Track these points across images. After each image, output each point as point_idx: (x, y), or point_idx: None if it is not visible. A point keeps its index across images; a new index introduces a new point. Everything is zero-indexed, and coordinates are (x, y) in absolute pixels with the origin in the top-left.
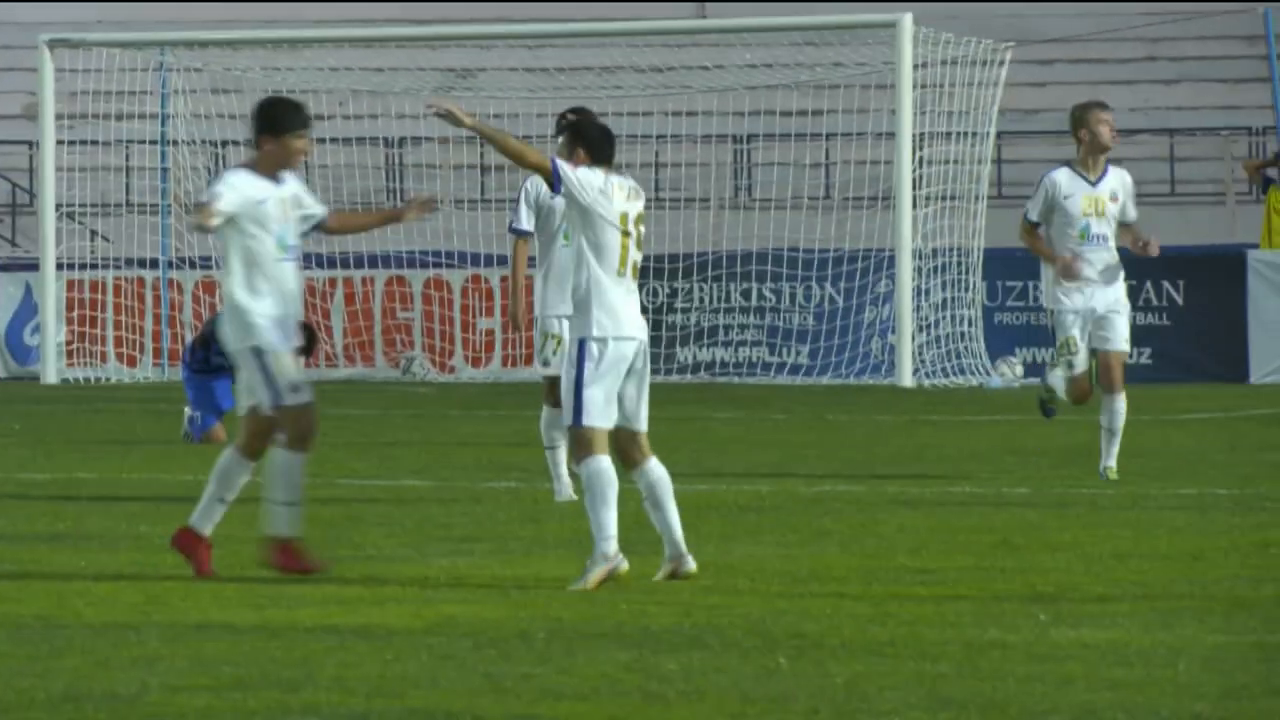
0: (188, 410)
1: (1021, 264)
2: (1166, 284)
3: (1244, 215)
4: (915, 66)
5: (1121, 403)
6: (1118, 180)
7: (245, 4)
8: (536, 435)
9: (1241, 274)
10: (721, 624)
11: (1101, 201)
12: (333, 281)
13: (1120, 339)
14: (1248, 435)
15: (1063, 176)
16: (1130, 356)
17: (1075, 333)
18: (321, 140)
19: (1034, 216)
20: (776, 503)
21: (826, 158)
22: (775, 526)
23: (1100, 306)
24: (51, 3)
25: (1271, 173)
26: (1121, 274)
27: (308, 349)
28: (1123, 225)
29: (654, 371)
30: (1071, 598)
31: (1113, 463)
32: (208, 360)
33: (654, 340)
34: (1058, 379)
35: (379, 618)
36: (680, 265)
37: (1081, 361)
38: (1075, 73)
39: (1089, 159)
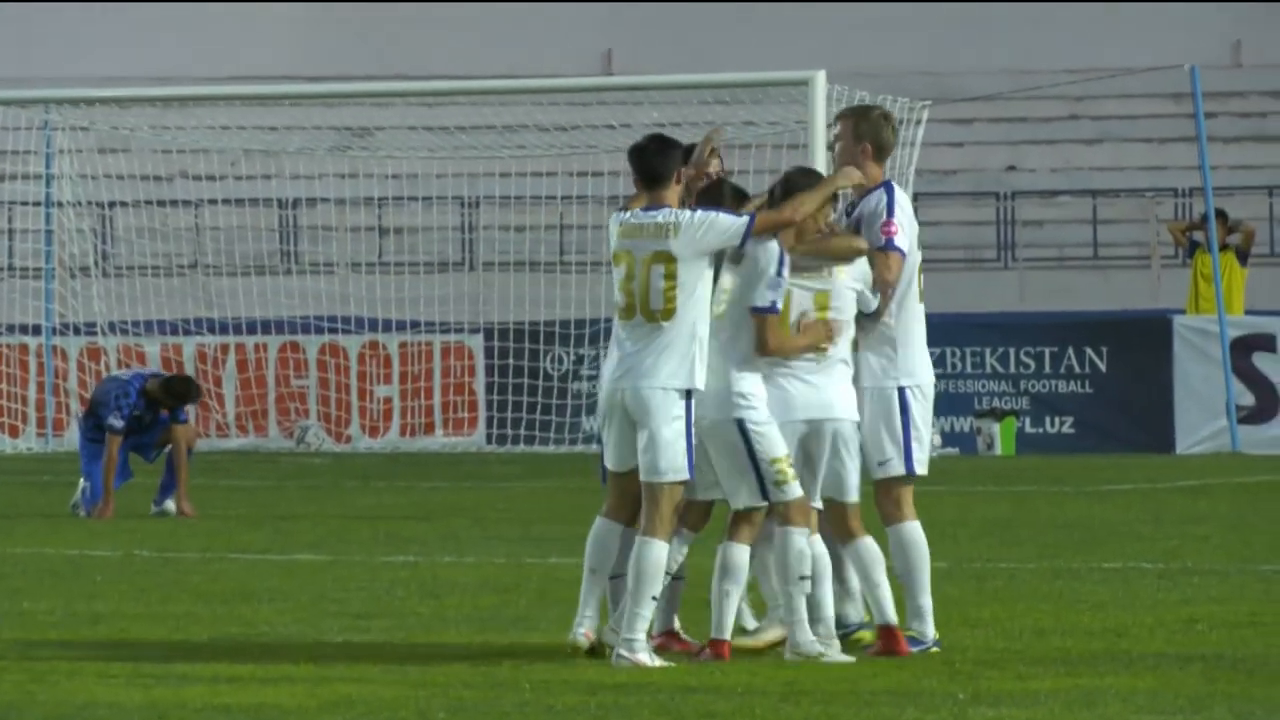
0: (82, 481)
1: (939, 330)
2: (1089, 350)
3: (1169, 279)
4: (829, 125)
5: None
6: None
7: (134, 60)
8: (434, 508)
9: (1167, 340)
10: (629, 704)
11: None
12: (224, 348)
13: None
14: (1173, 507)
15: None
16: (1045, 426)
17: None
18: (213, 202)
19: None
20: (689, 577)
21: None
22: (687, 600)
23: None
24: None
25: (1198, 236)
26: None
27: (193, 396)
28: None
29: (558, 442)
30: (991, 676)
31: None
32: (99, 427)
33: (558, 409)
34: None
35: (271, 697)
36: (586, 331)
37: None
38: (994, 132)
39: None
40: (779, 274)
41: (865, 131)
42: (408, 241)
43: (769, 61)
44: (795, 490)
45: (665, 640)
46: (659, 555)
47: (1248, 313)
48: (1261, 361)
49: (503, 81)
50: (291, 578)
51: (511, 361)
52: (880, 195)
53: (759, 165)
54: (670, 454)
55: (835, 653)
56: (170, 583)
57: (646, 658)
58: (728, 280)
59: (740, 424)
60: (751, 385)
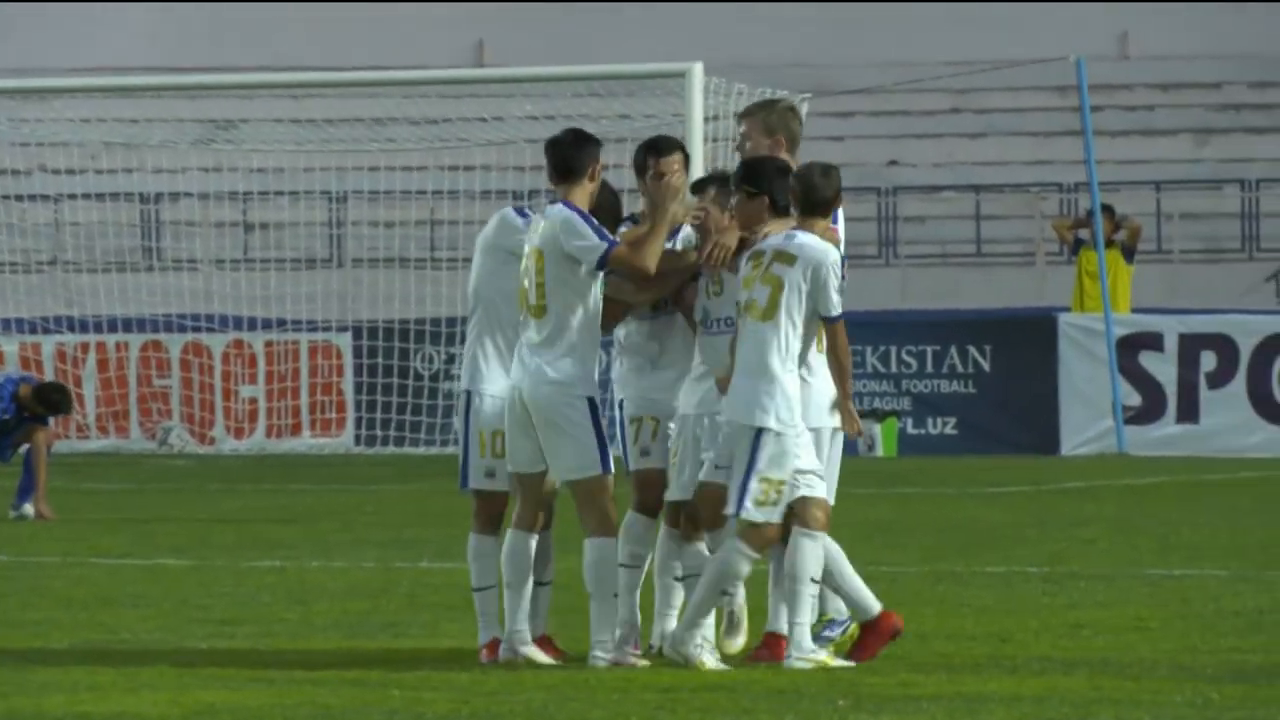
0: None
1: None
2: (973, 349)
3: (1054, 276)
4: (707, 119)
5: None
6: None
7: None
8: (301, 511)
9: (1052, 338)
10: (501, 711)
11: None
12: (84, 346)
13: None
14: (1058, 510)
15: None
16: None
17: None
18: (73, 196)
19: None
20: (561, 581)
21: None
22: (559, 607)
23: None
24: None
25: (1083, 233)
26: None
27: (66, 407)
28: None
29: (429, 443)
30: (872, 681)
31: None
32: None
33: (429, 410)
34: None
35: (133, 705)
36: (458, 330)
37: None
38: (875, 126)
39: None
40: (842, 278)
41: (776, 124)
42: (274, 237)
43: (644, 53)
44: (773, 515)
45: (538, 645)
46: (602, 554)
47: (1134, 311)
48: (1148, 361)
49: (372, 73)
50: (154, 583)
51: (380, 361)
52: None
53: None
54: (569, 449)
55: (713, 660)
56: (29, 588)
57: (629, 657)
58: (776, 281)
59: (758, 434)
60: (782, 395)
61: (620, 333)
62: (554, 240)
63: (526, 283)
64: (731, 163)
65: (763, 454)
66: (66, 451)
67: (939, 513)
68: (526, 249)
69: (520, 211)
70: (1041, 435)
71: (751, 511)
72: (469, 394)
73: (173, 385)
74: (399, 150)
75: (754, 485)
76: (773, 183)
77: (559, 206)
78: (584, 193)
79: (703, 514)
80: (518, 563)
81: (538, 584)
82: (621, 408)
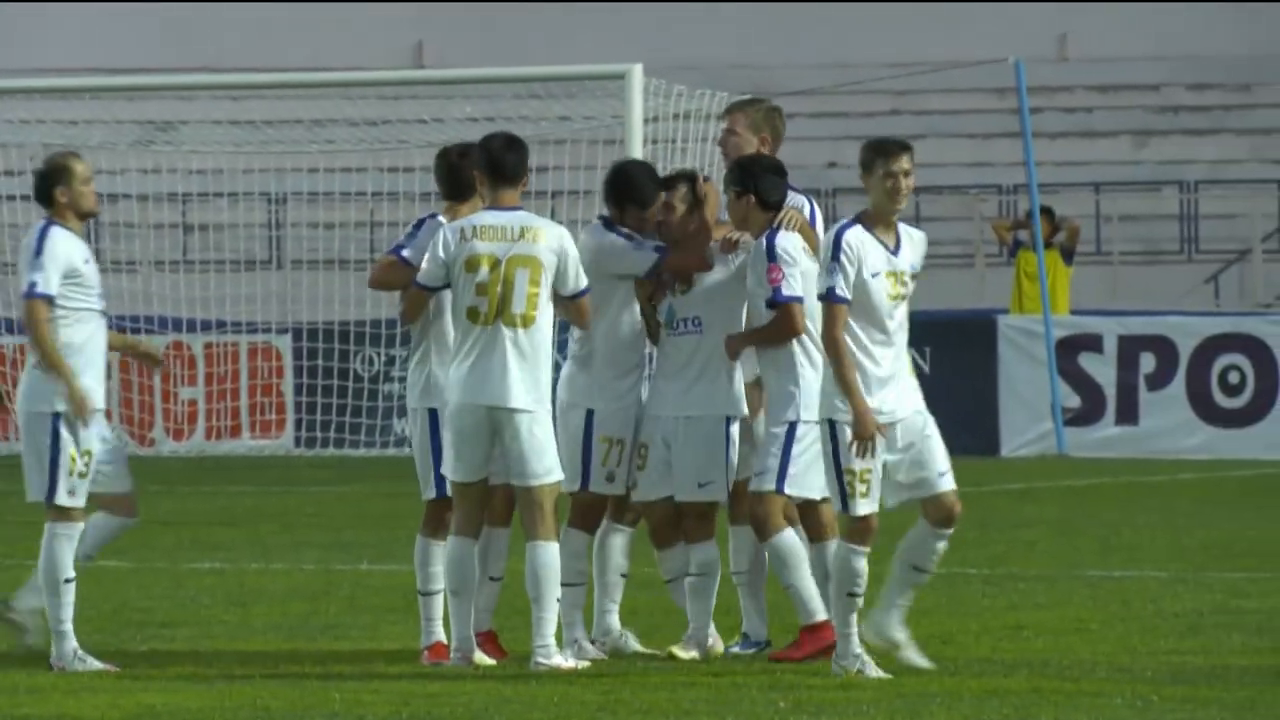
0: None
1: None
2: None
3: (993, 278)
4: (646, 120)
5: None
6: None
7: None
8: (241, 513)
9: (992, 340)
10: (441, 714)
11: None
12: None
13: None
14: (999, 512)
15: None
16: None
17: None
18: (11, 198)
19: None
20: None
21: (553, 216)
22: (501, 609)
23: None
24: None
25: (1022, 234)
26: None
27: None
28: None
29: (369, 445)
30: (813, 685)
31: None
32: None
33: (369, 411)
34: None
35: (73, 708)
36: (398, 332)
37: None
38: (816, 127)
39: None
40: (834, 259)
41: (762, 123)
42: (213, 239)
43: (584, 55)
44: (861, 508)
45: (482, 642)
46: (552, 558)
47: (1073, 312)
48: (1087, 362)
49: (311, 74)
50: (94, 585)
51: (320, 362)
52: (806, 205)
53: (574, 161)
54: (542, 455)
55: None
56: None
57: (562, 660)
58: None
59: (831, 425)
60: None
61: (576, 340)
62: (561, 254)
63: (497, 291)
64: (674, 164)
65: (839, 447)
66: (4, 454)
67: (879, 515)
68: (503, 256)
69: (412, 233)
70: (981, 437)
71: (840, 504)
72: (432, 410)
73: (112, 386)
74: (338, 152)
75: (842, 476)
76: (758, 180)
77: (548, 222)
78: (517, 197)
79: (732, 510)
80: (463, 571)
81: (491, 579)
82: (589, 420)
